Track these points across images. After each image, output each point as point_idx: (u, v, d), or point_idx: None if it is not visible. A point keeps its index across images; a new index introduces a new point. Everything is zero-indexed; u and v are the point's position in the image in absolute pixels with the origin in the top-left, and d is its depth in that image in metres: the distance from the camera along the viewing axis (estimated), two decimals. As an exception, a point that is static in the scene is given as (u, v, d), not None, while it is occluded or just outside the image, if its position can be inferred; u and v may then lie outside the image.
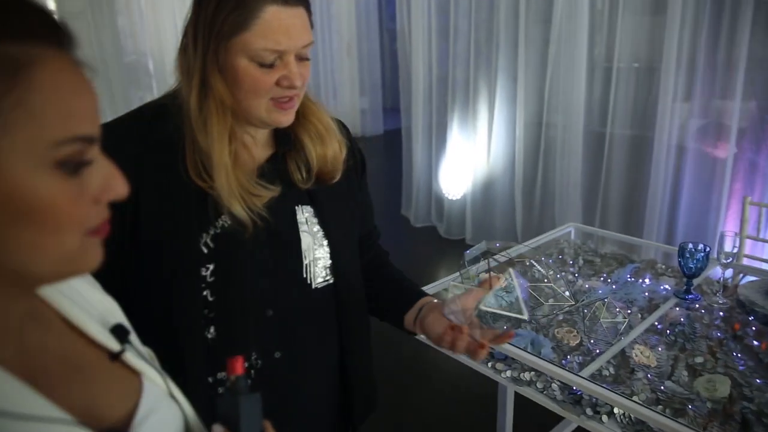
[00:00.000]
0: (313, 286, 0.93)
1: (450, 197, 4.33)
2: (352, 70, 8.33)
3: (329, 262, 0.94)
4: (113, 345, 0.56)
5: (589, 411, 1.20)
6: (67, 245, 0.43)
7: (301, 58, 0.82)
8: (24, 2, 0.40)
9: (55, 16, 0.42)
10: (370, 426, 1.18)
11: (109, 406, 0.50)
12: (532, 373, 1.31)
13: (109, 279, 0.62)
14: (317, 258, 0.93)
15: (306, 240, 0.91)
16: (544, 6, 3.44)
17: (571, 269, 1.78)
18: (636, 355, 1.26)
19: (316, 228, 0.93)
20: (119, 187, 0.46)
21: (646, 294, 1.59)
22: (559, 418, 1.80)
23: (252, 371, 0.87)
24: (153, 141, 0.82)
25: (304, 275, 0.92)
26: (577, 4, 3.20)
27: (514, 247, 1.90)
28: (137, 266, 0.82)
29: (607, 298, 1.50)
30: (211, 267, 0.83)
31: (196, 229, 0.83)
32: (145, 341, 0.63)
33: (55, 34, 0.41)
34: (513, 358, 1.33)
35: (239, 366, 0.61)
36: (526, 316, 0.90)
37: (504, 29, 3.66)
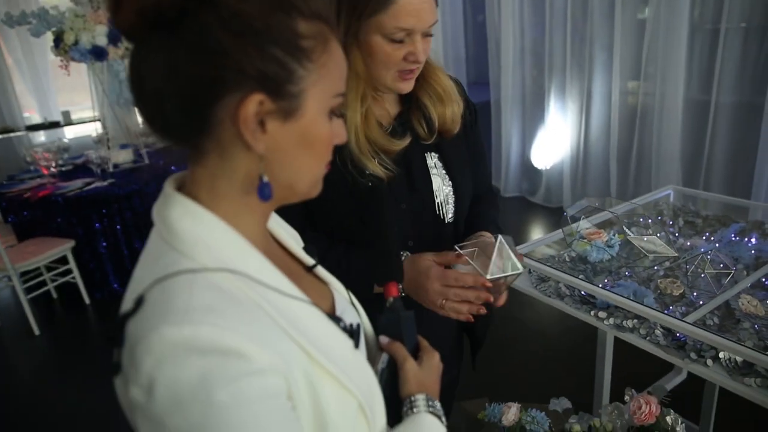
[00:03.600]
0: (446, 221, 1.08)
1: (545, 167, 4.32)
2: (435, 45, 8.28)
3: (454, 200, 1.08)
4: (307, 260, 0.70)
5: (693, 355, 1.25)
6: (320, 172, 0.57)
7: (426, 35, 0.94)
8: None
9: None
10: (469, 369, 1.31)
11: (316, 301, 0.60)
12: (635, 320, 1.37)
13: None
14: (447, 197, 1.07)
15: (437, 182, 1.06)
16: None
17: (671, 229, 1.79)
18: (743, 304, 1.28)
19: (444, 172, 1.07)
20: (343, 135, 0.58)
21: (753, 252, 1.58)
22: (657, 377, 1.83)
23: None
24: None
25: (437, 212, 1.07)
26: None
27: (614, 207, 1.93)
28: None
29: (711, 251, 1.51)
30: (361, 214, 0.99)
31: (342, 187, 0.96)
32: None
33: (333, 18, 0.55)
34: (616, 307, 1.40)
35: (395, 289, 0.72)
36: (520, 268, 0.95)
37: (598, -6, 3.56)
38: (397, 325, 0.70)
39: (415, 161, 1.04)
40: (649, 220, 1.84)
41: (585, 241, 1.59)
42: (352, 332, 0.62)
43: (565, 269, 1.62)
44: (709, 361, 1.22)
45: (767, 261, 1.52)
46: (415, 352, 0.71)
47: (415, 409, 0.64)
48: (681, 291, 1.40)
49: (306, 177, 0.56)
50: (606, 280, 1.54)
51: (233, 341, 0.44)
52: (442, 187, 1.07)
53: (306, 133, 0.53)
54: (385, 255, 0.99)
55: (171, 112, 0.50)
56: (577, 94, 3.91)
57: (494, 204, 1.26)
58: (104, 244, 3.35)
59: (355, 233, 0.99)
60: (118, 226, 3.35)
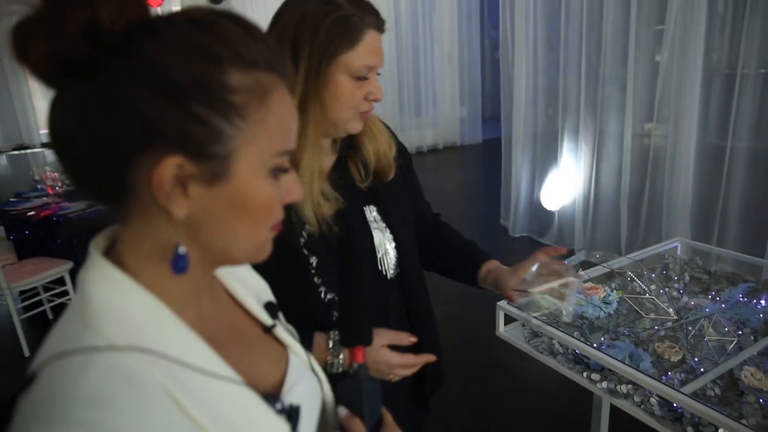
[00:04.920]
0: (388, 277, 1.05)
1: (554, 207, 4.25)
2: (452, 79, 8.38)
3: (396, 254, 1.05)
4: (266, 319, 0.64)
5: (690, 430, 1.16)
6: (262, 236, 0.52)
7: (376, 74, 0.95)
8: (263, 37, 0.49)
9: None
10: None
11: (263, 373, 0.55)
12: (629, 386, 1.29)
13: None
14: (387, 251, 1.04)
15: (377, 236, 1.03)
16: (658, 9, 3.29)
17: (676, 285, 1.70)
18: (746, 377, 1.20)
19: (383, 225, 1.04)
20: (298, 192, 0.54)
21: (761, 315, 1.49)
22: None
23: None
24: None
25: (379, 267, 1.03)
26: (694, 8, 3.03)
27: (616, 260, 1.86)
28: None
29: (714, 315, 1.43)
30: (314, 261, 0.95)
31: (294, 232, 0.94)
32: None
33: (281, 65, 0.50)
34: (610, 370, 1.31)
35: (360, 355, 0.67)
36: (568, 318, 1.00)
37: (612, 35, 3.55)
38: (358, 395, 0.64)
39: (354, 215, 1.00)
40: (653, 275, 1.75)
41: (581, 297, 1.51)
42: (291, 414, 0.55)
43: (561, 324, 1.54)
44: (708, 438, 1.13)
45: None
46: (377, 428, 0.65)
47: None
48: (680, 356, 1.32)
49: (243, 243, 0.51)
50: (602, 339, 1.46)
51: None
52: (383, 242, 1.03)
53: (238, 197, 0.47)
54: (354, 318, 0.94)
55: (85, 168, 0.46)
56: (591, 135, 3.86)
57: (453, 231, 1.29)
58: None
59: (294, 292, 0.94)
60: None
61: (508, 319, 1.59)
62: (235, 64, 0.45)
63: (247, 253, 0.52)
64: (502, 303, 1.57)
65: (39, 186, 3.83)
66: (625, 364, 1.28)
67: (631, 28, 3.41)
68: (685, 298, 1.62)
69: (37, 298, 3.32)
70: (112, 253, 0.50)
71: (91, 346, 0.44)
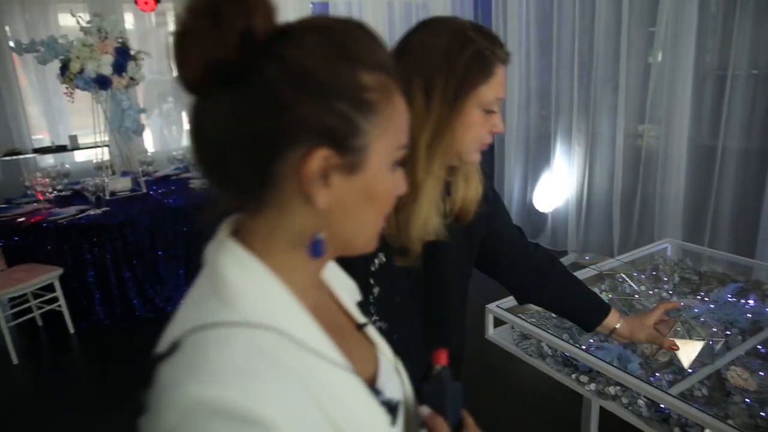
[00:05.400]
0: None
1: (547, 209, 4.26)
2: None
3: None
4: (359, 317, 0.67)
5: (677, 431, 1.16)
6: (379, 225, 0.56)
7: None
8: (383, 43, 0.53)
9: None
10: None
11: (359, 369, 0.56)
12: (618, 387, 1.29)
13: None
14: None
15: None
16: (649, 10, 3.31)
17: (666, 286, 1.71)
18: (732, 377, 1.20)
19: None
20: (403, 185, 0.57)
21: (749, 315, 1.50)
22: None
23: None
24: None
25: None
26: (685, 8, 3.05)
27: (606, 261, 1.86)
28: None
29: (703, 316, 1.44)
30: (376, 291, 0.95)
31: (366, 258, 0.92)
32: None
33: (395, 70, 0.54)
34: (598, 372, 1.32)
35: (444, 357, 0.68)
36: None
37: (604, 37, 3.57)
38: (441, 397, 0.65)
39: (441, 250, 0.98)
40: (643, 276, 1.76)
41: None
42: (391, 407, 0.58)
43: (550, 325, 1.55)
44: (695, 439, 1.14)
45: (763, 326, 1.44)
46: (458, 428, 0.67)
47: None
48: (668, 358, 1.32)
49: (365, 231, 0.56)
50: (591, 341, 1.47)
51: (259, 410, 0.43)
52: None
53: (369, 187, 0.52)
54: (439, 322, 0.94)
55: (233, 165, 0.49)
56: (583, 136, 3.87)
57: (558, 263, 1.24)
58: (92, 273, 3.32)
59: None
60: (108, 255, 3.32)
61: (498, 322, 1.60)
62: (368, 66, 0.50)
63: (366, 242, 0.56)
64: (491, 306, 1.57)
65: (29, 192, 3.81)
66: (613, 365, 1.28)
67: (623, 30, 3.43)
68: (675, 299, 1.63)
69: (27, 305, 3.30)
70: (238, 239, 0.54)
71: (231, 321, 0.47)
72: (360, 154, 0.50)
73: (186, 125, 6.39)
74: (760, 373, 1.25)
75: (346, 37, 0.50)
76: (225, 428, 0.42)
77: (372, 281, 0.94)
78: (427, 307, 0.98)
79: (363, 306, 0.86)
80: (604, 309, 1.18)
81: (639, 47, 3.45)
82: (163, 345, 0.48)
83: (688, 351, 1.24)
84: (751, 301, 1.59)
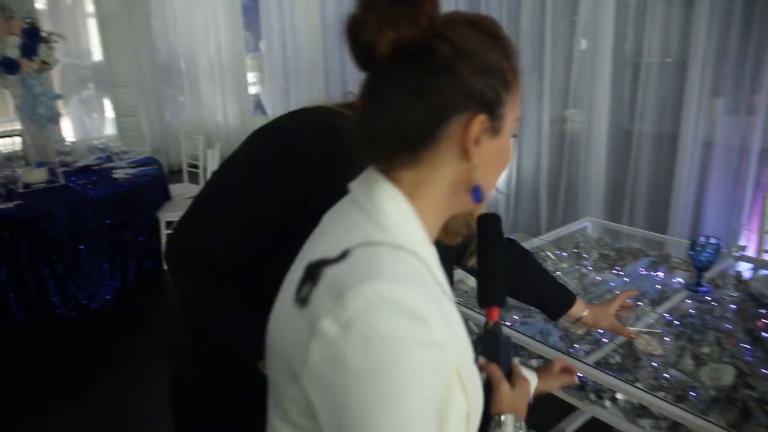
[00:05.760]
0: None
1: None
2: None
3: None
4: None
5: (592, 396, 1.24)
6: (495, 184, 0.70)
7: None
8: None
9: None
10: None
11: None
12: (540, 360, 1.36)
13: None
14: None
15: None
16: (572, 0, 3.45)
17: (586, 263, 1.81)
18: (640, 344, 1.30)
19: None
20: (511, 156, 0.69)
21: (659, 287, 1.62)
22: (567, 411, 1.83)
23: None
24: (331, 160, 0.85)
25: None
26: (604, -1, 3.20)
27: (529, 241, 1.95)
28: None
29: (617, 289, 1.54)
30: None
31: None
32: None
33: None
34: (521, 346, 1.39)
35: (497, 314, 0.77)
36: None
37: (530, 26, 3.69)
38: (495, 349, 0.76)
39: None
40: (565, 254, 1.86)
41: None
42: (474, 342, 0.69)
43: (474, 304, 1.60)
44: (608, 403, 1.22)
45: (671, 296, 1.56)
46: (509, 376, 0.77)
47: (503, 427, 0.73)
48: (585, 330, 1.40)
49: (491, 186, 0.68)
50: (516, 317, 1.54)
51: (424, 309, 0.52)
52: None
53: (501, 148, 0.65)
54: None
55: (409, 129, 0.59)
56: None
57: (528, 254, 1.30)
58: (4, 272, 3.12)
59: None
60: (23, 251, 3.13)
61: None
62: (508, 52, 0.63)
63: (488, 195, 0.68)
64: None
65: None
66: (535, 339, 1.35)
67: (548, 19, 3.55)
68: (593, 274, 1.73)
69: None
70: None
71: (390, 243, 0.58)
72: (501, 121, 0.63)
73: (109, 113, 6.10)
74: (666, 338, 1.36)
75: (494, 28, 0.62)
76: (400, 322, 0.51)
77: None
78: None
79: None
80: (569, 300, 1.24)
81: (563, 35, 3.58)
82: (322, 254, 0.58)
83: (646, 339, 1.33)
84: (660, 273, 1.71)
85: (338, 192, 0.67)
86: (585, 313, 1.24)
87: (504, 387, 0.74)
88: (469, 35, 0.59)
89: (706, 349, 1.32)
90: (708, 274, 1.61)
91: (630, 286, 1.60)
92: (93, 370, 2.81)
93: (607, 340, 1.37)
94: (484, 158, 0.62)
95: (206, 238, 0.90)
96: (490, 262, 0.91)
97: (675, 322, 1.44)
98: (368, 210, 0.61)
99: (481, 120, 0.60)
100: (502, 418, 0.73)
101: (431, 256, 0.63)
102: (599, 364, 1.28)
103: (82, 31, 5.78)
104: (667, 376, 1.24)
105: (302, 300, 0.56)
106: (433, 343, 0.53)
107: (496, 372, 0.75)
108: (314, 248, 0.61)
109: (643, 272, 1.71)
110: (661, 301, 1.54)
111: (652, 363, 1.28)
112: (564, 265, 1.78)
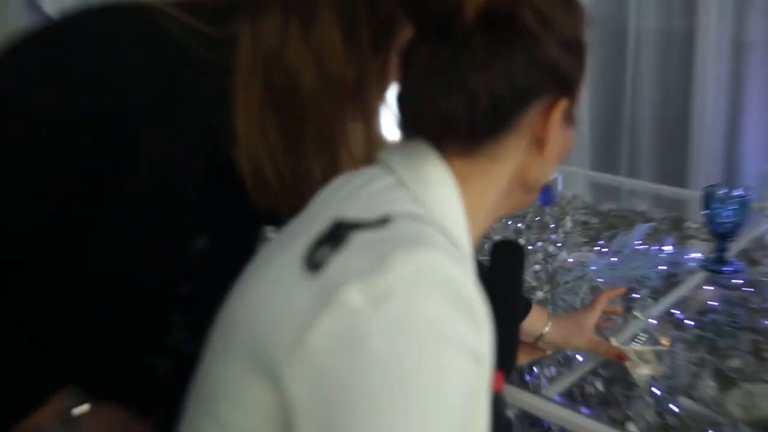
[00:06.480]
0: None
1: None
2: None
3: None
4: None
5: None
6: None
7: None
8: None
9: None
10: None
11: None
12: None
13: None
14: None
15: None
16: None
17: (553, 236, 1.78)
18: (633, 359, 1.28)
19: None
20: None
21: (664, 267, 1.62)
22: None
23: None
24: None
25: None
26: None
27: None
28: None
29: (599, 276, 1.51)
30: None
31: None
32: None
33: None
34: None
35: (500, 381, 0.84)
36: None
37: None
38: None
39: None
40: (519, 225, 1.81)
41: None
42: None
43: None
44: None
45: (681, 281, 1.55)
46: None
47: None
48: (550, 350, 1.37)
49: (547, 178, 0.82)
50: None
51: (480, 311, 0.62)
52: None
53: (566, 138, 0.79)
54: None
55: (482, 111, 0.69)
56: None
57: None
58: None
59: None
60: None
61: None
62: (583, 24, 0.76)
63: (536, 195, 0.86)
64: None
65: None
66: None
67: None
68: (564, 254, 1.69)
69: None
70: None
71: (439, 228, 0.68)
72: (574, 108, 0.77)
73: None
74: (674, 348, 1.35)
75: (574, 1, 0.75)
76: (447, 306, 0.59)
77: None
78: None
79: None
80: (522, 307, 1.22)
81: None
82: (359, 218, 0.66)
83: (640, 351, 1.34)
84: (667, 247, 1.70)
85: (171, 138, 0.78)
86: (546, 329, 1.25)
87: None
88: (551, 3, 0.71)
89: (736, 363, 1.33)
90: (736, 245, 1.62)
91: (620, 269, 1.59)
92: None
93: (581, 358, 1.34)
94: (551, 149, 0.75)
95: None
96: (502, 309, 0.94)
97: (688, 322, 1.43)
98: (413, 187, 0.72)
99: (563, 105, 0.72)
100: None
101: (472, 265, 0.75)
102: (568, 398, 1.25)
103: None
104: (675, 408, 1.22)
105: (315, 264, 0.61)
106: (476, 355, 0.60)
107: None
108: (331, 207, 0.71)
109: (641, 247, 1.70)
110: (668, 289, 1.54)
111: (653, 389, 1.26)
112: (521, 240, 1.73)
